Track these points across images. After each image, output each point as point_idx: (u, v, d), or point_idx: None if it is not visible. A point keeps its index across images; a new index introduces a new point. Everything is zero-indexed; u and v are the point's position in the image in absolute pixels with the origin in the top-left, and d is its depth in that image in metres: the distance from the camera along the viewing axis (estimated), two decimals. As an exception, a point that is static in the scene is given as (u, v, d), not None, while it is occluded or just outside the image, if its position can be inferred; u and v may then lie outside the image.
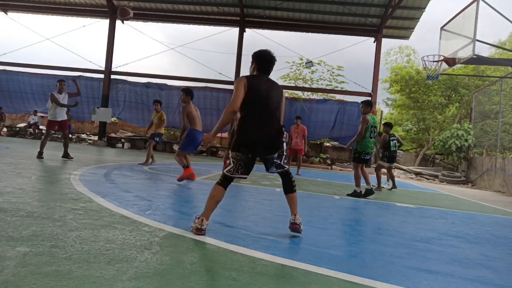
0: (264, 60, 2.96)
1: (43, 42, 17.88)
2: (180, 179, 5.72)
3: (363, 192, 6.05)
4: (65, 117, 7.83)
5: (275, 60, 3.00)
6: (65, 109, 7.86)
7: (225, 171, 2.81)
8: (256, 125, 2.82)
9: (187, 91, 6.17)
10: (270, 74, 3.04)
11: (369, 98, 6.51)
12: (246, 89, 2.78)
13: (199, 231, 2.59)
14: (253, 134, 2.81)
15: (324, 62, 20.36)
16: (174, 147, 18.01)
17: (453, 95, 21.34)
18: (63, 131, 7.85)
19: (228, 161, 2.81)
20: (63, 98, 7.71)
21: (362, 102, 6.35)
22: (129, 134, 19.42)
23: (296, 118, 11.17)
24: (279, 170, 2.93)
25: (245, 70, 20.70)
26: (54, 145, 13.42)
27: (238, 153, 2.77)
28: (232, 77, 16.87)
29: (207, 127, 17.63)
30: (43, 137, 7.78)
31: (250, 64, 3.03)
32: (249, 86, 2.79)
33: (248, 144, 2.79)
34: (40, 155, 7.29)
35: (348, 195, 6.10)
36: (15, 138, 16.26)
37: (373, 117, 6.13)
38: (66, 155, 7.61)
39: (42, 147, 7.38)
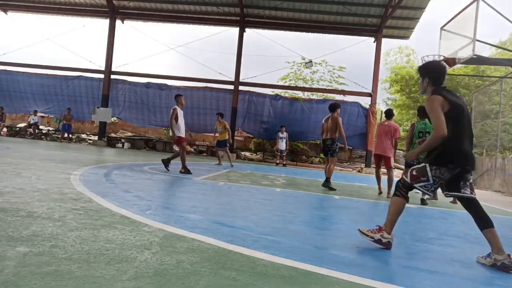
0: (441, 72, 2.82)
1: (43, 42, 17.93)
2: None
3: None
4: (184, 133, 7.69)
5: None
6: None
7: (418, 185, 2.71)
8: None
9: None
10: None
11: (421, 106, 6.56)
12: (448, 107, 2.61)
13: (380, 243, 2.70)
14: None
15: (326, 62, 20.37)
16: (174, 147, 18.03)
17: (453, 95, 21.34)
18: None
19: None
20: (181, 114, 7.57)
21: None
22: (129, 134, 19.42)
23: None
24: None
25: (245, 70, 20.78)
26: (54, 145, 13.42)
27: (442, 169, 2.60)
28: (232, 77, 16.88)
29: (207, 127, 17.71)
30: (181, 153, 7.52)
31: (421, 80, 2.85)
32: (449, 102, 2.62)
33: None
34: (187, 170, 7.23)
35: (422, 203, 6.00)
36: (15, 138, 16.27)
37: (421, 123, 6.06)
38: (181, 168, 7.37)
39: (183, 161, 7.38)
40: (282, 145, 14.47)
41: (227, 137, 11.08)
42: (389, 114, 7.07)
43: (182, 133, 7.53)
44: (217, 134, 11.24)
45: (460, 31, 9.76)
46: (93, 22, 18.03)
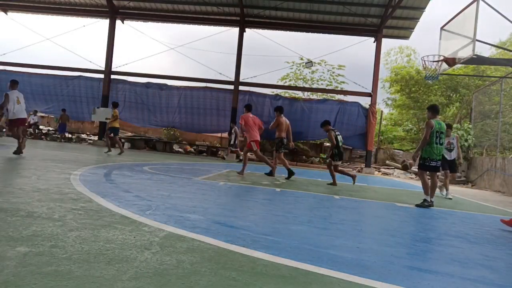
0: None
1: (43, 42, 17.94)
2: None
3: (432, 202, 5.83)
4: (25, 115, 8.16)
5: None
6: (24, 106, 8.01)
7: None
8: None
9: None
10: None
11: (435, 104, 6.40)
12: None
13: None
14: None
15: (325, 62, 20.38)
16: (174, 147, 18.02)
17: (453, 95, 21.35)
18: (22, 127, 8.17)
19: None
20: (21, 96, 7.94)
21: (427, 108, 6.15)
22: (129, 134, 19.41)
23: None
24: None
25: (245, 70, 20.78)
26: (54, 145, 13.41)
27: None
28: (232, 77, 16.88)
29: (207, 127, 17.73)
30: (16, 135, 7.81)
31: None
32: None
33: None
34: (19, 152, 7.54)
35: (416, 205, 5.78)
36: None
37: (439, 122, 5.81)
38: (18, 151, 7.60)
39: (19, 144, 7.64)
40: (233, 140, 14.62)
41: (114, 125, 12.05)
42: (250, 107, 8.64)
43: (21, 115, 7.82)
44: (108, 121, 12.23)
45: (460, 31, 9.74)
46: (93, 22, 18.03)
